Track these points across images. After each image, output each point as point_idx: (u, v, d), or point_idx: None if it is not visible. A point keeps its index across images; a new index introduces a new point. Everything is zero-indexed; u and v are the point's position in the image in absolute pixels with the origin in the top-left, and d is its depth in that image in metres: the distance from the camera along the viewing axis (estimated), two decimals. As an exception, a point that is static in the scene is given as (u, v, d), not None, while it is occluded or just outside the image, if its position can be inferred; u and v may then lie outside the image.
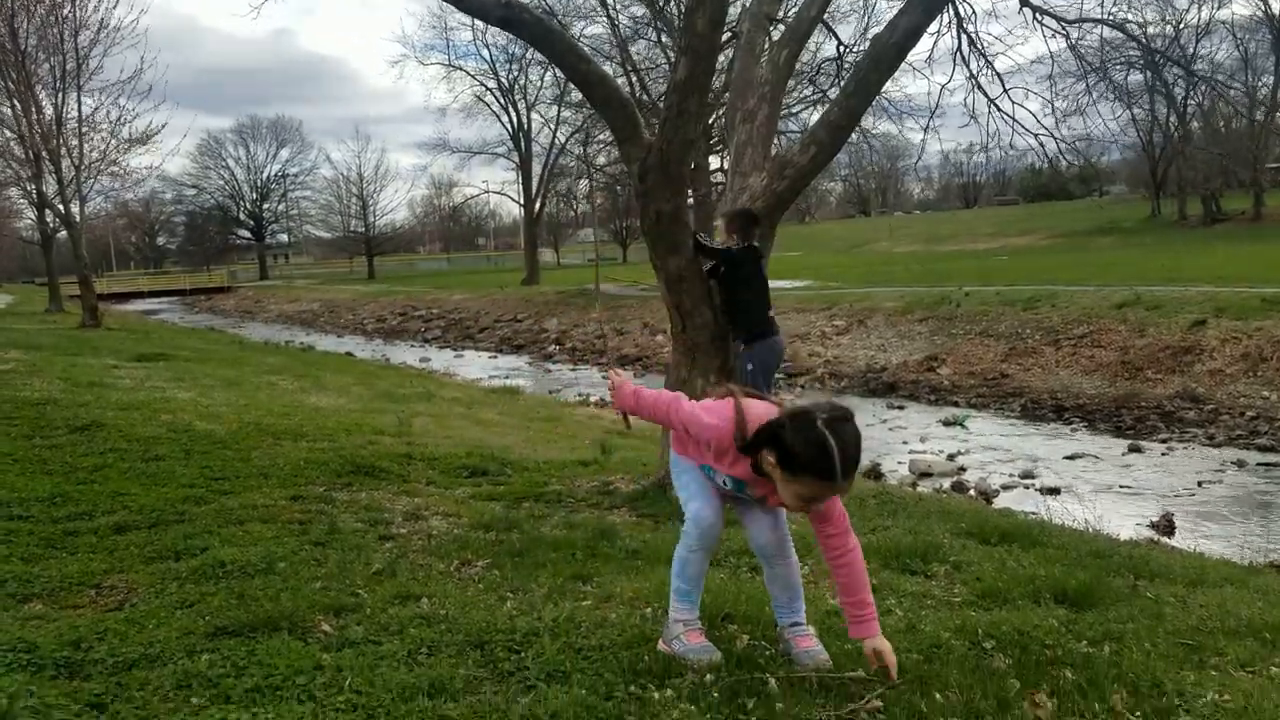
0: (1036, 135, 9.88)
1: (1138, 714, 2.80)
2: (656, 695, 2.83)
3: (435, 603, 3.62)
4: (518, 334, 32.96)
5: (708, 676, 2.94)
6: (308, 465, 6.41)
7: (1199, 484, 11.32)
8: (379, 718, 2.69)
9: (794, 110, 29.35)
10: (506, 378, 22.69)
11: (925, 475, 11.96)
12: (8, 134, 25.03)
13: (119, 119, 24.35)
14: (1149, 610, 3.88)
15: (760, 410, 3.01)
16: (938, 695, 2.83)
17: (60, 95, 24.02)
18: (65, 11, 23.66)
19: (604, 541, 4.63)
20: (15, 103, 23.96)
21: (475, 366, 26.02)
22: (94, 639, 3.16)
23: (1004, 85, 9.14)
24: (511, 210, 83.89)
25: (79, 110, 24.18)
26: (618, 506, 5.81)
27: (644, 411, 3.35)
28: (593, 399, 17.87)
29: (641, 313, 29.39)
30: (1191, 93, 50.91)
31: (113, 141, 24.71)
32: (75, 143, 24.11)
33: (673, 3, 30.17)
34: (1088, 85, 11.20)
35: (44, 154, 24.26)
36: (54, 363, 13.06)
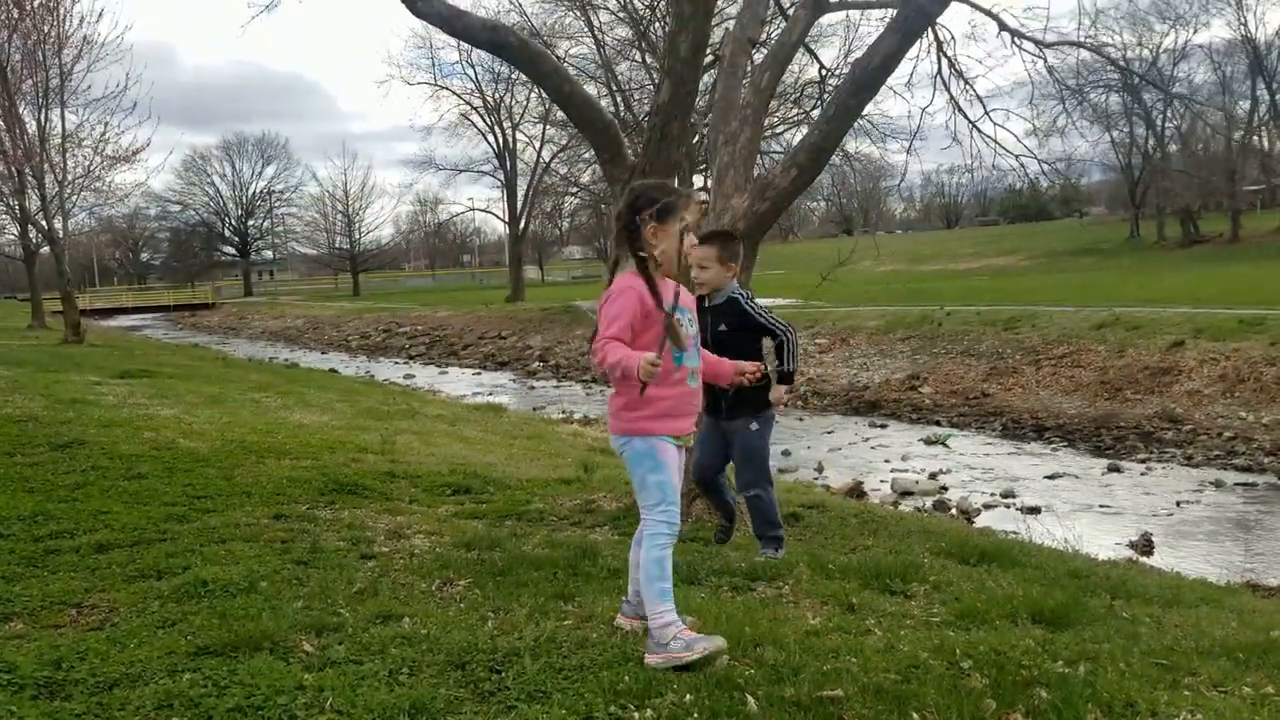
0: (1018, 156, 10.02)
1: (1111, 733, 2.84)
2: (637, 715, 2.85)
3: (417, 622, 3.63)
4: (501, 350, 32.98)
5: (687, 697, 2.96)
6: (291, 484, 6.41)
7: (1177, 504, 11.41)
8: (360, 737, 2.70)
9: (777, 131, 29.54)
10: (490, 395, 22.69)
11: (907, 494, 12.02)
12: (-10, 150, 24.92)
13: (103, 135, 24.30)
14: (1125, 630, 3.92)
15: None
16: (915, 715, 2.87)
17: (44, 111, 23.98)
18: (48, 28, 23.62)
19: (586, 560, 4.64)
20: (-2, 119, 23.89)
21: (459, 383, 26.00)
22: (75, 659, 3.16)
23: (985, 108, 9.27)
24: (497, 227, 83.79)
25: (62, 126, 24.15)
26: (600, 525, 5.83)
27: (618, 368, 3.26)
28: (576, 416, 17.88)
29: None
30: (1170, 115, 51.61)
31: (96, 158, 24.65)
32: (59, 159, 24.04)
33: (656, 25, 30.34)
34: (1065, 107, 11.38)
35: (27, 170, 24.17)
36: (36, 379, 12.99)
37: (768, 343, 5.08)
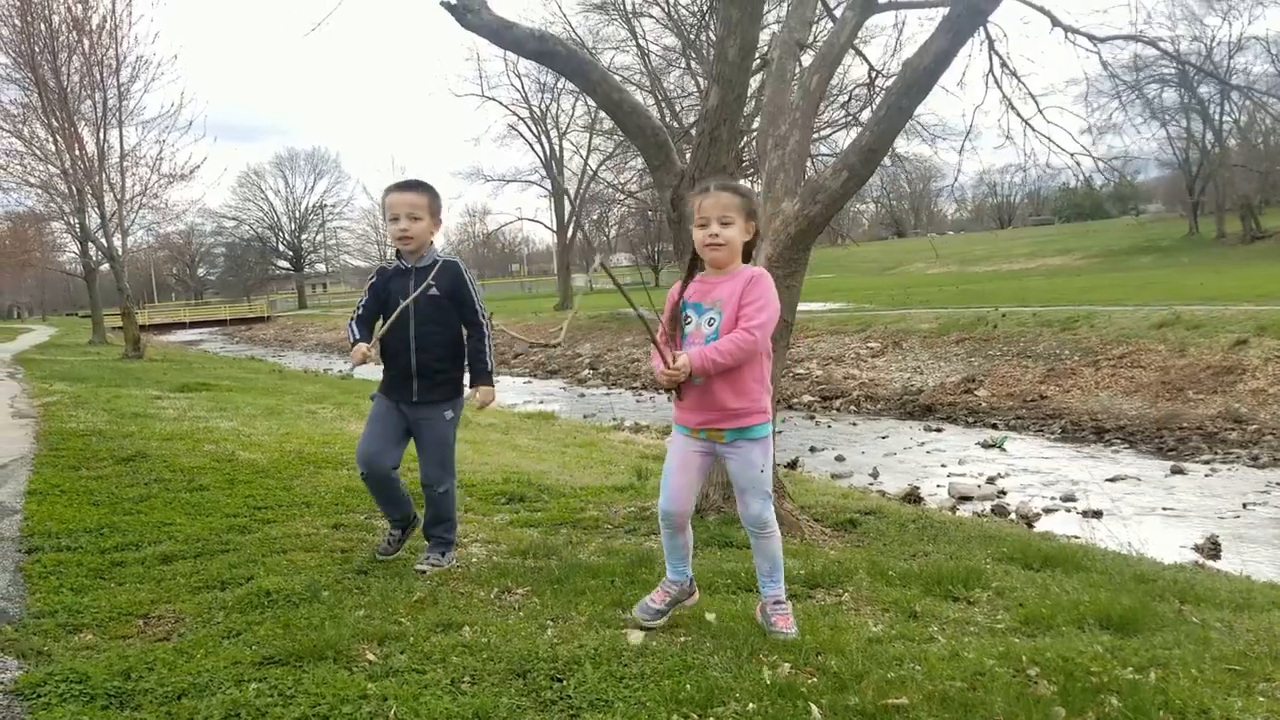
0: (1073, 154, 9.86)
1: (1186, 742, 2.77)
2: (699, 723, 2.83)
3: (477, 631, 3.64)
4: (551, 359, 33.09)
5: (750, 705, 2.94)
6: (349, 493, 6.47)
7: (1244, 506, 11.15)
8: (424, 747, 2.71)
9: (824, 134, 29.38)
10: (541, 402, 22.77)
11: (965, 499, 11.86)
12: (51, 169, 25.55)
13: (159, 154, 24.80)
14: (1195, 636, 3.83)
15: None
16: (982, 723, 2.82)
17: (102, 131, 24.52)
18: (107, 50, 24.18)
19: (643, 568, 4.62)
20: (59, 139, 24.48)
21: (510, 391, 26.15)
22: (143, 669, 3.21)
23: (1038, 105, 9.13)
24: (544, 236, 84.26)
25: (120, 145, 24.67)
26: (655, 532, 5.80)
27: (727, 361, 3.45)
28: (627, 424, 17.89)
29: (675, 337, 29.37)
30: (1228, 108, 50.59)
31: (154, 176, 25.16)
32: (117, 177, 24.57)
33: (705, 34, 30.36)
34: (1121, 102, 11.22)
35: (87, 189, 24.73)
36: (98, 394, 13.27)
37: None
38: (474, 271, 4.68)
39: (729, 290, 3.53)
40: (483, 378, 4.60)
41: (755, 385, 3.57)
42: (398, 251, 4.65)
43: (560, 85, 46.36)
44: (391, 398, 4.63)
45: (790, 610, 3.71)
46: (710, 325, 3.56)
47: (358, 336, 4.60)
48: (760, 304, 3.48)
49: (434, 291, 4.47)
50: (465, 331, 4.61)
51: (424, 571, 4.53)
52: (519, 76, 49.64)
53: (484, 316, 4.59)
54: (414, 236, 4.52)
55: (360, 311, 4.73)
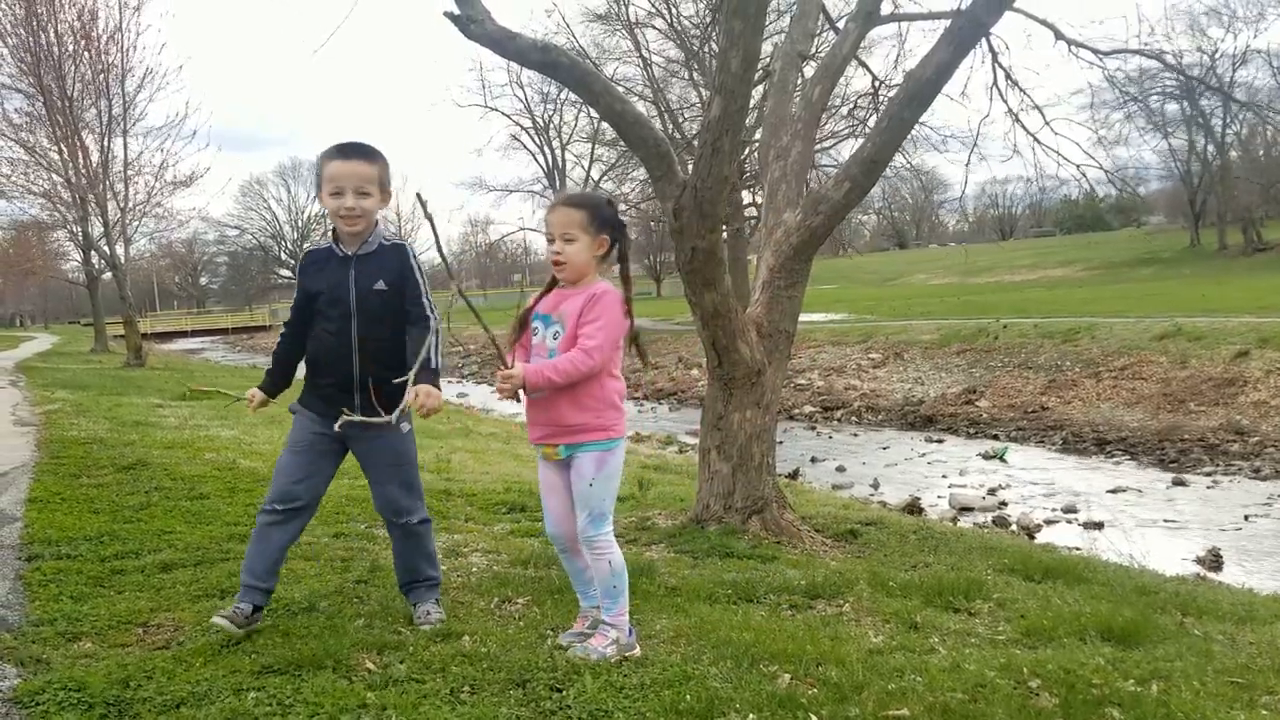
0: (1079, 165, 9.87)
1: (1188, 755, 2.76)
2: (699, 734, 2.82)
3: (477, 640, 3.63)
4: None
5: (750, 716, 2.93)
6: (349, 502, 6.46)
7: (1246, 518, 11.13)
8: (423, 756, 2.70)
9: (827, 146, 29.45)
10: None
11: (966, 510, 11.85)
12: (55, 178, 25.62)
13: (163, 163, 24.88)
14: (1197, 648, 3.82)
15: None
16: (983, 735, 2.81)
17: (106, 139, 24.59)
18: (112, 58, 24.26)
19: (643, 579, 4.61)
20: (63, 147, 24.55)
21: (512, 403, 26.08)
22: (142, 678, 3.20)
23: (1045, 118, 9.14)
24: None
25: (124, 154, 24.74)
26: (656, 542, 5.80)
27: (561, 380, 3.43)
28: (628, 434, 17.86)
29: (676, 346, 29.44)
30: (1230, 120, 50.64)
31: (157, 184, 25.22)
32: (121, 186, 24.63)
33: (707, 46, 30.45)
34: (1128, 113, 11.26)
35: (90, 197, 24.79)
36: (100, 402, 13.28)
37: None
38: (423, 257, 3.93)
39: (573, 306, 3.51)
40: (426, 375, 3.63)
41: (595, 403, 3.53)
42: (333, 231, 3.85)
43: (563, 96, 46.51)
44: (318, 410, 3.84)
45: (610, 633, 3.51)
46: (555, 339, 3.54)
47: (272, 362, 4.01)
48: (600, 324, 3.44)
49: (380, 285, 3.75)
50: (408, 327, 3.78)
51: (431, 625, 3.79)
52: (522, 87, 49.86)
53: (432, 310, 3.83)
54: (362, 216, 3.72)
55: (290, 317, 3.99)
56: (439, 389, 3.70)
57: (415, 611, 3.87)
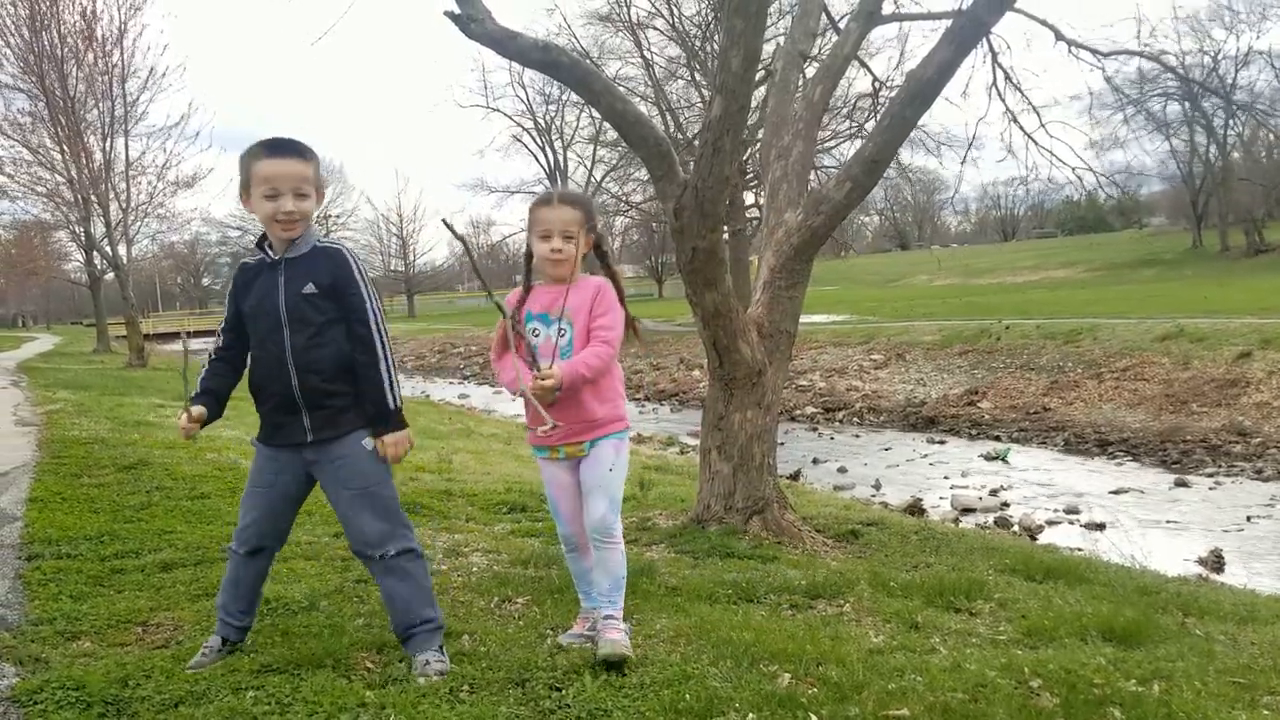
0: (1074, 169, 9.87)
1: (1189, 755, 2.75)
2: (698, 734, 2.82)
3: (476, 639, 3.63)
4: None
5: (749, 715, 2.92)
6: (349, 503, 6.45)
7: (1248, 519, 11.11)
8: (422, 756, 2.69)
9: (828, 146, 29.44)
10: (544, 414, 22.68)
11: (968, 511, 11.83)
12: (57, 178, 25.65)
13: (165, 163, 24.91)
14: (1199, 648, 3.81)
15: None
16: (983, 735, 2.80)
17: (108, 140, 24.62)
18: (114, 60, 24.29)
19: (644, 578, 4.61)
20: (65, 147, 24.59)
21: (514, 403, 26.10)
22: (141, 677, 3.20)
23: (1040, 119, 9.14)
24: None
25: (126, 154, 24.76)
26: (657, 543, 5.80)
27: (591, 375, 3.45)
28: (630, 434, 17.84)
29: (678, 347, 29.43)
30: (1231, 122, 50.61)
31: (159, 184, 25.25)
32: (123, 186, 24.65)
33: (708, 46, 30.46)
34: (1125, 116, 11.26)
35: (92, 197, 24.81)
36: (101, 403, 13.28)
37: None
38: (367, 262, 3.43)
39: (578, 301, 3.52)
40: (386, 418, 3.32)
41: (613, 394, 3.61)
42: (261, 238, 3.46)
43: (565, 96, 46.58)
44: (276, 442, 3.40)
45: (620, 624, 3.49)
46: (563, 336, 3.54)
47: (200, 389, 3.47)
48: (613, 315, 3.52)
49: (310, 289, 3.31)
50: (352, 348, 3.35)
51: (429, 679, 3.21)
52: (524, 88, 49.91)
53: (379, 328, 3.38)
54: (302, 219, 3.33)
55: (220, 341, 3.55)
56: (404, 425, 3.37)
57: (413, 662, 3.30)
